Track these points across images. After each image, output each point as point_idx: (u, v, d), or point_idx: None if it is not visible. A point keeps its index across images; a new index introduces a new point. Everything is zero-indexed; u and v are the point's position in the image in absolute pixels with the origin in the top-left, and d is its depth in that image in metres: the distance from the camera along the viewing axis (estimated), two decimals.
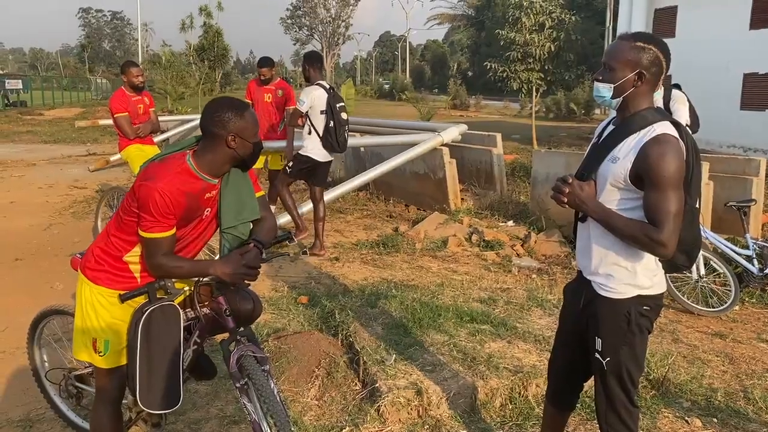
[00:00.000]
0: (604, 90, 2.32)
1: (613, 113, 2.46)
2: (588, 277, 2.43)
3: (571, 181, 2.29)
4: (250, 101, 7.50)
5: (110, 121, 18.02)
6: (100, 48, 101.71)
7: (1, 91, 33.38)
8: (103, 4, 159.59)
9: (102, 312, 2.57)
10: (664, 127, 2.22)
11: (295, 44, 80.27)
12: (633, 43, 2.26)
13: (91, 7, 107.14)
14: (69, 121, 23.59)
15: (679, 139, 2.20)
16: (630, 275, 2.31)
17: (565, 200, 2.30)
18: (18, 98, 35.30)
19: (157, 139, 10.13)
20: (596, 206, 2.28)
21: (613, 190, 2.29)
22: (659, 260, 2.36)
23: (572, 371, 2.65)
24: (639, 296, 2.33)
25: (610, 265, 2.34)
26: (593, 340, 2.41)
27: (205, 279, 2.58)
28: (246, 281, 2.59)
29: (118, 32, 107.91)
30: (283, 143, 7.43)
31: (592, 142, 2.51)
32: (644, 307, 2.34)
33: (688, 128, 2.38)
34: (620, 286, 2.33)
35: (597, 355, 2.40)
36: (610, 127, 2.41)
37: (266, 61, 7.72)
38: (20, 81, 38.70)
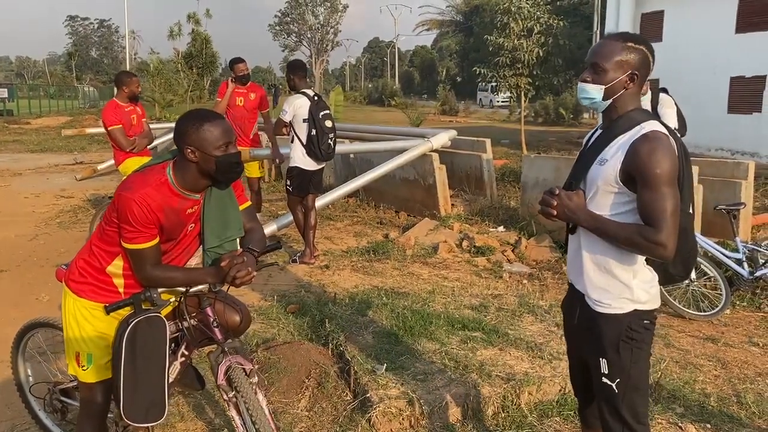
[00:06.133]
0: (594, 92, 2.20)
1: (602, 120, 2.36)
2: (581, 291, 2.31)
3: (558, 192, 2.18)
4: (221, 100, 7.40)
5: (97, 130, 17.78)
6: (87, 56, 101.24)
7: None
8: (91, 12, 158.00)
9: (85, 325, 2.52)
10: (653, 125, 2.12)
11: (283, 51, 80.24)
12: (624, 43, 2.17)
13: (78, 15, 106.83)
14: (56, 130, 23.42)
15: (670, 137, 2.10)
16: (626, 289, 2.19)
17: (555, 213, 2.19)
18: (4, 107, 34.92)
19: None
20: (587, 215, 2.16)
21: (604, 195, 2.17)
22: (655, 271, 2.24)
23: (590, 388, 2.47)
24: (636, 311, 2.20)
25: (604, 279, 2.22)
26: (597, 363, 2.26)
27: (193, 289, 2.53)
28: (242, 281, 2.45)
29: (105, 40, 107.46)
30: (263, 152, 7.47)
31: (580, 151, 2.41)
32: (644, 322, 2.21)
33: (676, 132, 2.30)
34: (616, 300, 2.20)
35: (605, 380, 2.24)
36: (599, 132, 2.32)
37: (239, 58, 7.52)
38: (6, 89, 38.28)
